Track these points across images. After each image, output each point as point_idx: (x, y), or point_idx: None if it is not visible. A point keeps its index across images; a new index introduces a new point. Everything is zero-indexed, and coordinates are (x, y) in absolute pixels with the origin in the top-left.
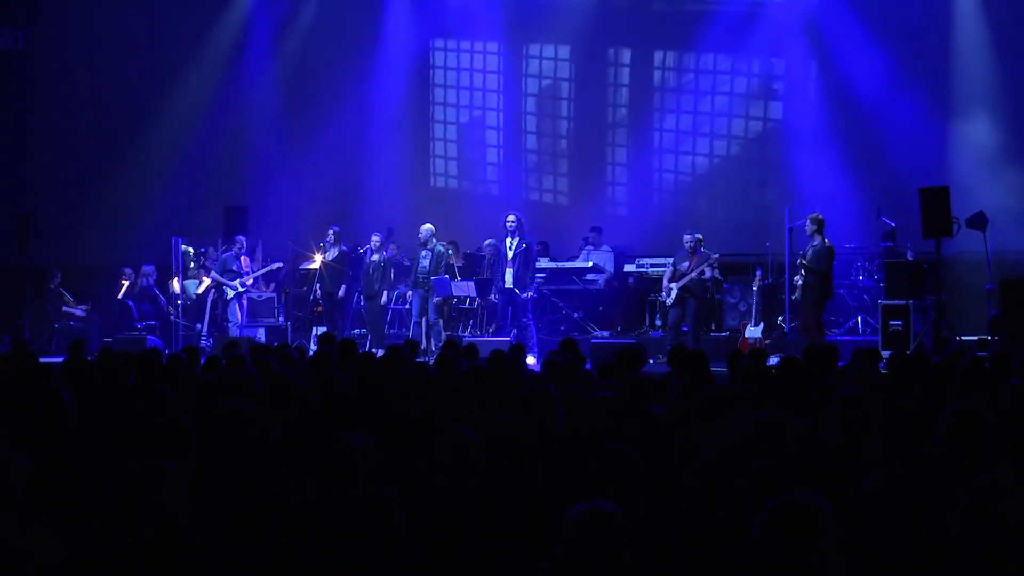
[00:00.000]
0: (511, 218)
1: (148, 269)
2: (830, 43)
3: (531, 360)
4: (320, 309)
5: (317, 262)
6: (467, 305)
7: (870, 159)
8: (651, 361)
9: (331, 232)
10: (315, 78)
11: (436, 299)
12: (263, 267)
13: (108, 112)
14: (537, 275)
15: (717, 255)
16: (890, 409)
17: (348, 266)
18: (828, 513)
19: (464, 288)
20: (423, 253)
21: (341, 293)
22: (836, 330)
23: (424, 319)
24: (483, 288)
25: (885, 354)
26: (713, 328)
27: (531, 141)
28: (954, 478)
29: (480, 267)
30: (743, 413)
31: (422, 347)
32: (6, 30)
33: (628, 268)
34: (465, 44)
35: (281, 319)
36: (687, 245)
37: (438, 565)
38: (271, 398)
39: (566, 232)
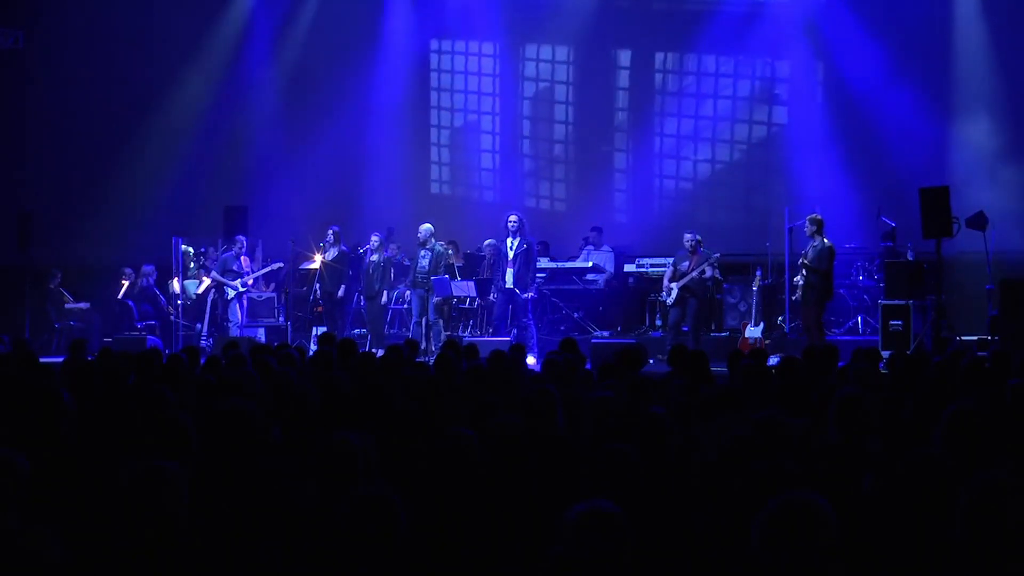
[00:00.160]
0: (513, 218)
1: (148, 269)
2: (830, 43)
3: (531, 360)
4: (320, 309)
5: (317, 262)
6: (467, 305)
7: (870, 159)
8: (651, 361)
9: (330, 232)
10: (315, 78)
11: (436, 299)
12: (263, 267)
13: (108, 112)
14: (537, 275)
15: (717, 254)
16: (890, 409)
17: (348, 266)
18: (828, 513)
19: (464, 288)
20: (422, 253)
21: (341, 293)
22: (836, 330)
23: (424, 319)
24: (483, 288)
25: (885, 354)
26: (713, 328)
27: (529, 146)
28: (954, 478)
29: (480, 267)
30: (743, 413)
31: (422, 347)
32: (6, 30)
33: (628, 268)
34: (460, 46)
35: (281, 319)
36: (687, 245)
37: (438, 565)
38: (271, 398)
39: (565, 236)
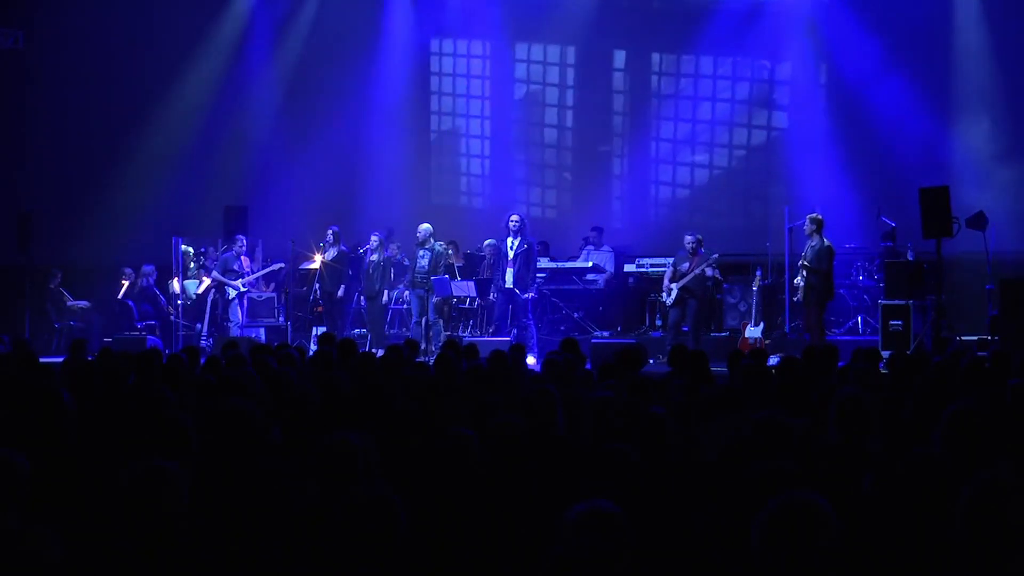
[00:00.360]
0: (514, 218)
1: (148, 269)
2: (830, 43)
3: (531, 360)
4: (320, 309)
5: (317, 262)
6: (467, 305)
7: (870, 159)
8: (651, 361)
9: (330, 232)
10: (315, 78)
11: (436, 299)
12: (263, 267)
13: (108, 112)
14: (537, 275)
15: (716, 254)
16: (890, 409)
17: (347, 266)
18: (828, 513)
19: (464, 288)
20: (421, 253)
21: (340, 293)
22: (836, 330)
23: (424, 319)
24: (483, 288)
25: (885, 354)
26: (713, 328)
27: (524, 151)
28: (954, 478)
29: (480, 267)
30: (743, 413)
31: (422, 347)
32: (6, 30)
33: (628, 268)
34: (461, 46)
35: (281, 319)
36: (688, 245)
37: (438, 565)
38: (271, 398)
39: (564, 237)
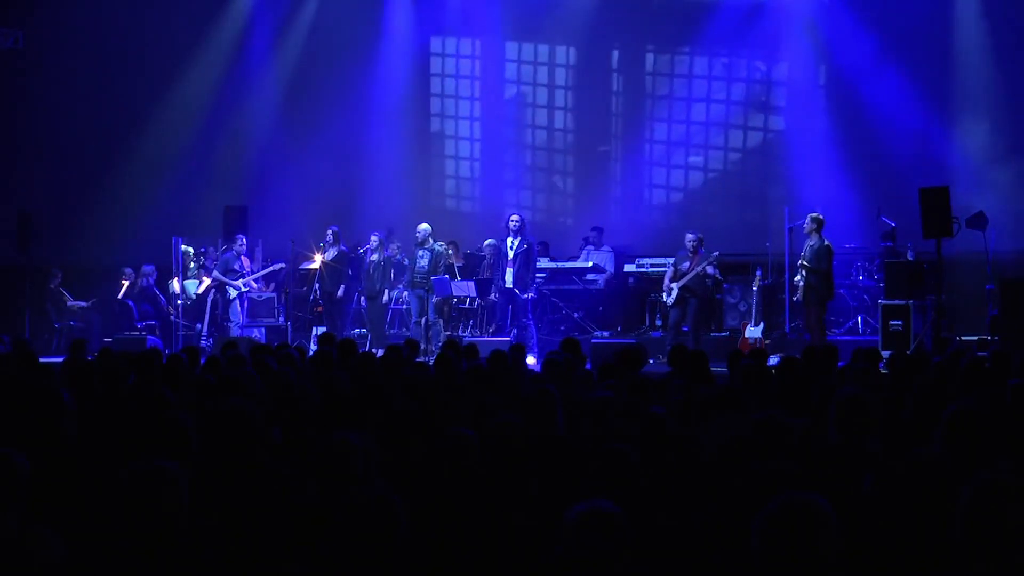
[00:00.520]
0: (515, 217)
1: (148, 269)
2: (830, 44)
3: (531, 360)
4: (320, 309)
5: (317, 262)
6: (467, 305)
7: (870, 159)
8: (651, 361)
9: (330, 232)
10: (315, 78)
11: (436, 299)
12: (264, 267)
13: (108, 112)
14: (537, 275)
15: (717, 253)
16: (890, 409)
17: (347, 266)
18: (828, 513)
19: (464, 288)
20: (420, 253)
21: (340, 293)
22: (836, 330)
23: (424, 319)
24: (483, 288)
25: (885, 354)
26: (713, 328)
27: (527, 152)
28: (954, 478)
29: (480, 267)
30: (743, 413)
31: (422, 347)
32: (6, 30)
33: (628, 268)
34: (465, 46)
35: (281, 319)
36: (689, 245)
37: (438, 565)
38: (271, 398)
39: (564, 238)
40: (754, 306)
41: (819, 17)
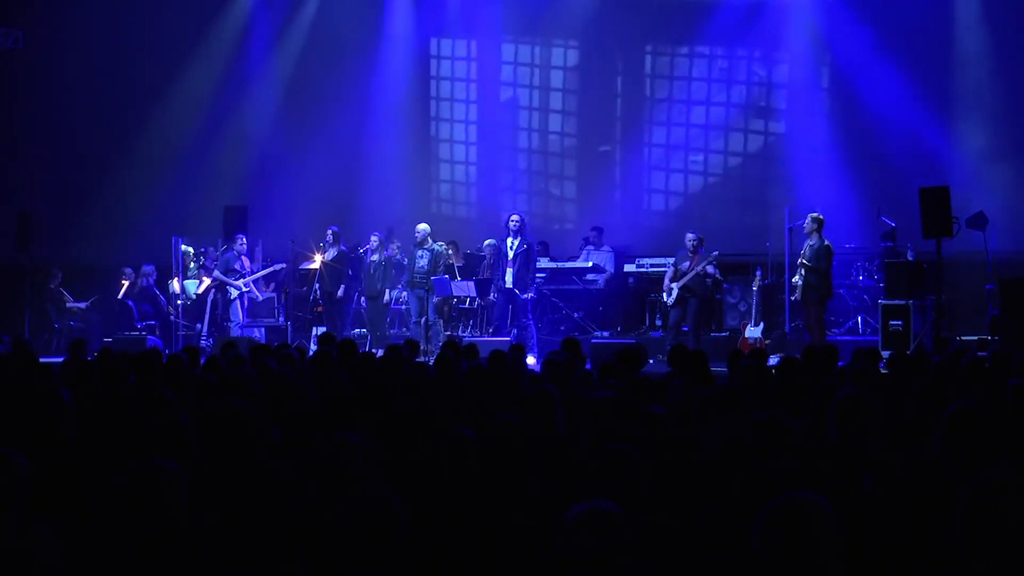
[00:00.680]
0: (515, 218)
1: (148, 269)
2: (830, 44)
3: (531, 360)
4: (320, 309)
5: (317, 262)
6: (467, 305)
7: (870, 159)
8: (651, 361)
9: (330, 232)
10: (315, 77)
11: (436, 299)
12: (264, 267)
13: (108, 112)
14: (537, 275)
15: (716, 252)
16: (890, 409)
17: (347, 266)
18: (828, 513)
19: (464, 288)
20: (419, 253)
21: (340, 293)
22: (836, 330)
23: (424, 319)
24: (483, 288)
25: (885, 354)
26: (713, 328)
27: (528, 153)
28: (954, 478)
29: (480, 267)
30: (743, 413)
31: (422, 347)
32: (6, 30)
33: (628, 268)
34: (461, 47)
35: (281, 319)
36: (689, 245)
37: (438, 565)
38: (271, 398)
39: (564, 237)
40: (754, 306)
41: (819, 17)
